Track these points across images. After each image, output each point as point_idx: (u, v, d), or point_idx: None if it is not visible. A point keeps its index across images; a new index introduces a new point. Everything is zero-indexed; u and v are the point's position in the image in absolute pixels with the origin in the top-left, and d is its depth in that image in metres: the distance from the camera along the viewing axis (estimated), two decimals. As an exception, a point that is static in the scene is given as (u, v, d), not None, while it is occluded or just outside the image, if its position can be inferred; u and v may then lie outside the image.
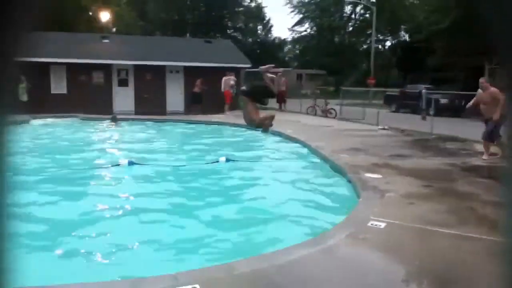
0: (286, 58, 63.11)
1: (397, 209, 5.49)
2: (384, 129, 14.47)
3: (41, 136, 12.74)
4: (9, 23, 0.50)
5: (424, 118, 14.50)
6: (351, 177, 7.13)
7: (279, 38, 62.18)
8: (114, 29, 41.07)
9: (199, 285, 3.22)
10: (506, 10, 0.52)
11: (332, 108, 19.70)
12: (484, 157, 8.98)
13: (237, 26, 57.70)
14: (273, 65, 7.04)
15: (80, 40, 21.88)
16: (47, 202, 5.94)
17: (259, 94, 6.55)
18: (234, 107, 20.25)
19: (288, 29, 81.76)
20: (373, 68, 33.12)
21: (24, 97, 17.69)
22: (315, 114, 20.22)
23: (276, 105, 22.48)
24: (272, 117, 6.61)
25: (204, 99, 20.30)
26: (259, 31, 61.26)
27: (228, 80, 20.37)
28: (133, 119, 17.52)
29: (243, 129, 15.02)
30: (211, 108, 20.06)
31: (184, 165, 8.63)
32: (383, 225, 4.80)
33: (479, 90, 9.38)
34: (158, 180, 7.32)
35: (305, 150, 10.50)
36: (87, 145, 11.27)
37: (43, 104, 17.76)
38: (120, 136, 13.48)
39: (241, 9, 56.29)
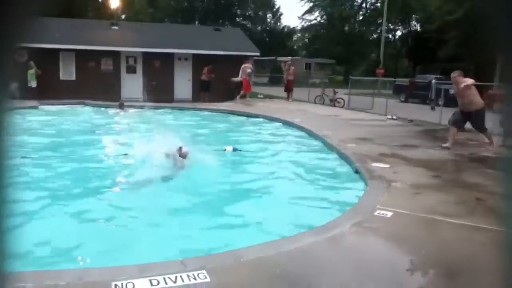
0: (295, 47, 62.77)
1: (404, 199, 5.49)
2: (392, 119, 14.41)
3: (48, 122, 12.77)
4: (11, 9, 0.51)
5: (433, 109, 14.42)
6: (358, 167, 7.12)
7: (288, 27, 61.81)
8: (123, 16, 41.05)
9: (206, 271, 3.25)
10: (508, 8, 0.52)
11: (340, 98, 19.62)
12: (447, 144, 9.07)
13: (247, 14, 57.39)
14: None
15: (89, 27, 21.90)
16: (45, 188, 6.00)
17: None
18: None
19: (298, 17, 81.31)
20: (382, 58, 32.86)
21: (33, 83, 17.84)
22: (323, 103, 20.15)
23: (284, 94, 22.46)
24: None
25: (212, 87, 20.29)
26: (268, 19, 60.91)
27: (246, 68, 20.29)
28: (141, 106, 17.55)
29: (251, 118, 15.04)
30: (219, 97, 20.06)
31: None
32: (389, 214, 4.80)
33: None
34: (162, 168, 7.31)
35: (312, 139, 10.49)
36: (91, 132, 11.31)
37: (52, 90, 17.86)
38: (126, 124, 13.49)
39: (250, -4, 55.97)
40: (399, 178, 6.45)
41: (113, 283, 3.03)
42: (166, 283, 3.07)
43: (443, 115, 12.93)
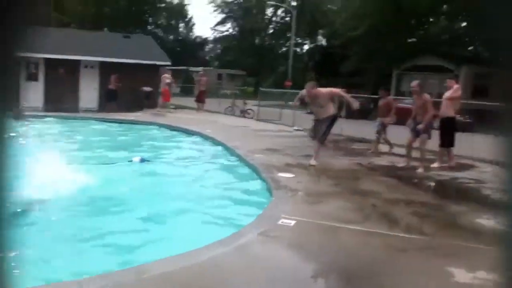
0: (208, 57, 62.91)
1: (306, 207, 5.72)
2: (299, 130, 14.96)
3: None
4: (10, 20, 0.49)
5: (336, 120, 15.16)
6: (265, 177, 7.29)
7: (201, 37, 61.83)
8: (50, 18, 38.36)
9: (106, 290, 3.13)
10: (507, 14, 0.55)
11: (250, 109, 19.98)
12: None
13: (158, 22, 56.46)
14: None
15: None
16: None
17: None
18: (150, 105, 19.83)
19: (211, 28, 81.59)
20: (291, 71, 34.05)
21: None
22: (234, 114, 20.39)
23: (196, 105, 22.38)
24: None
25: (120, 96, 19.65)
26: (181, 29, 60.47)
27: (165, 78, 20.16)
28: (37, 116, 16.44)
29: (161, 128, 14.79)
30: (128, 107, 19.49)
31: (94, 164, 8.30)
32: (293, 223, 4.97)
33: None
34: (63, 180, 6.92)
35: (221, 150, 10.56)
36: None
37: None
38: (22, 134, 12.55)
39: (163, 5, 55.15)
40: (302, 187, 6.71)
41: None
42: (59, 306, 2.91)
43: (344, 126, 13.69)
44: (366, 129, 12.13)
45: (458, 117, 9.94)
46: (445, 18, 31.38)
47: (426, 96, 8.65)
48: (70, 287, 3.18)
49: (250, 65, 49.63)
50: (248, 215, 5.53)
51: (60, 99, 19.27)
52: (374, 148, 10.60)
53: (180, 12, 57.40)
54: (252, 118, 19.30)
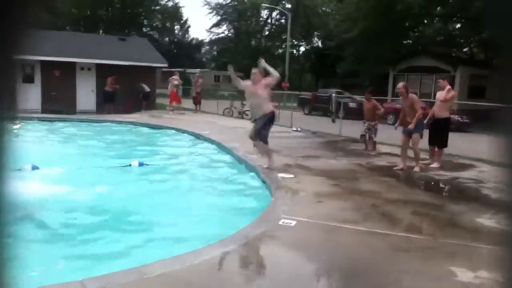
0: (204, 59, 62.93)
1: (307, 207, 5.72)
2: (297, 130, 14.99)
3: None
4: (9, 23, 0.50)
5: (333, 121, 15.24)
6: (264, 177, 7.30)
7: (197, 39, 61.86)
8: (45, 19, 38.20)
9: (108, 290, 3.12)
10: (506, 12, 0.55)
11: (248, 110, 19.96)
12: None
13: (154, 24, 56.41)
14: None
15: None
16: None
17: None
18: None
19: (206, 30, 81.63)
20: (287, 72, 34.10)
21: None
22: (232, 116, 20.40)
23: (193, 106, 22.39)
24: None
25: (117, 98, 19.65)
26: (176, 31, 60.47)
27: (173, 80, 20.33)
28: (33, 118, 16.42)
29: (159, 130, 14.78)
30: (125, 108, 19.50)
31: (93, 167, 8.27)
32: (293, 223, 4.97)
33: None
34: (64, 184, 6.92)
35: (220, 151, 10.57)
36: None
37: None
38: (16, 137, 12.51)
39: (158, 7, 55.10)
40: (302, 188, 6.72)
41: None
42: (63, 306, 2.90)
43: (343, 127, 13.74)
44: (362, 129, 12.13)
45: (456, 117, 9.95)
46: (439, 20, 31.50)
47: (413, 96, 8.72)
48: (73, 287, 3.16)
49: (247, 67, 49.52)
50: (248, 215, 5.53)
51: (57, 101, 19.23)
52: (372, 148, 10.61)
53: (175, 14, 57.39)
54: (250, 119, 19.28)
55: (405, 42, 33.66)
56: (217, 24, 54.32)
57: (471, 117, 17.41)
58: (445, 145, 9.18)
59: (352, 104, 20.05)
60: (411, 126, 8.36)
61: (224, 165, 9.06)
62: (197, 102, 22.14)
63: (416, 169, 8.52)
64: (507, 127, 0.61)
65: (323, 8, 50.27)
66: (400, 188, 7.34)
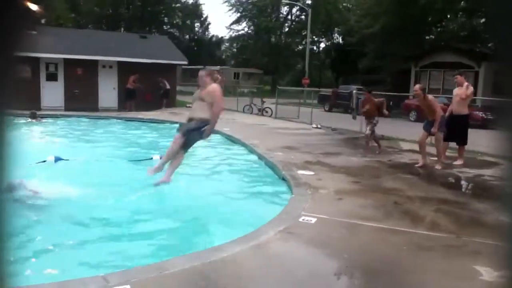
0: (223, 56, 63.12)
1: (327, 205, 5.68)
2: (317, 127, 14.90)
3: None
4: (8, 22, 0.50)
5: (354, 118, 15.08)
6: (285, 174, 7.27)
7: (217, 36, 62.09)
8: (42, 21, 38.94)
9: (130, 286, 3.15)
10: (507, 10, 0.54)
11: (268, 107, 19.97)
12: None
13: (174, 22, 56.85)
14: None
15: (4, 31, 20.54)
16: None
17: None
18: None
19: (226, 27, 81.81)
20: (308, 69, 33.94)
21: None
22: (252, 113, 20.40)
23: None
24: None
25: (139, 96, 19.88)
26: (196, 28, 60.78)
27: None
28: (57, 116, 16.73)
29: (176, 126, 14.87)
30: (146, 105, 19.71)
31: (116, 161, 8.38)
32: (314, 220, 4.94)
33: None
34: (85, 177, 7.00)
35: (241, 148, 10.58)
36: None
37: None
38: (39, 133, 12.77)
39: (178, 5, 55.49)
40: (323, 185, 6.67)
41: (28, 303, 2.85)
42: (86, 301, 2.94)
43: (364, 124, 13.58)
44: (384, 126, 12.00)
45: (480, 114, 9.66)
46: (462, 14, 30.87)
47: (430, 97, 8.57)
48: (95, 281, 3.21)
49: (267, 64, 49.63)
50: (268, 212, 5.51)
51: (80, 99, 19.55)
52: (379, 147, 10.30)
53: (195, 12, 57.69)
54: (270, 116, 19.28)
55: (428, 37, 33.10)
56: (237, 21, 54.41)
57: (495, 114, 17.03)
58: (465, 142, 9.00)
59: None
60: (434, 130, 8.23)
61: (244, 162, 9.07)
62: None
63: (438, 166, 8.38)
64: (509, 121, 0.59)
65: (344, 4, 49.86)
66: (423, 185, 7.23)
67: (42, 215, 5.30)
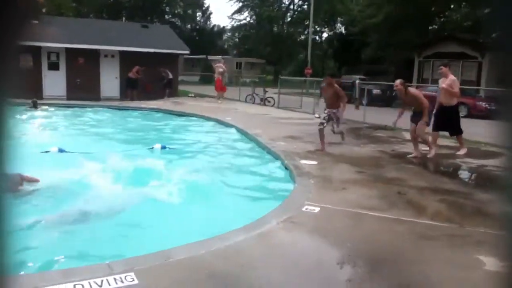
0: (226, 46, 62.86)
1: (330, 194, 5.68)
2: (319, 117, 14.83)
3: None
4: (10, 12, 0.50)
5: (357, 108, 15.05)
6: (287, 164, 7.27)
7: (218, 26, 61.79)
8: (43, 10, 38.78)
9: (134, 273, 3.16)
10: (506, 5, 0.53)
11: (270, 97, 19.91)
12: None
13: (176, 12, 56.54)
14: None
15: (5, 20, 20.46)
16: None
17: None
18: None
19: (228, 17, 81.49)
20: (310, 59, 33.77)
21: None
22: (254, 102, 20.36)
23: (215, 93, 22.40)
24: None
25: (140, 85, 19.86)
26: (198, 18, 60.47)
27: (218, 68, 20.54)
28: (59, 105, 16.73)
29: (181, 116, 14.86)
30: (148, 94, 19.70)
31: (116, 151, 8.36)
32: (317, 209, 4.94)
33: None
34: (88, 168, 7.01)
35: (243, 138, 10.57)
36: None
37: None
38: (38, 123, 12.78)
39: (179, -6, 55.19)
40: (326, 174, 6.66)
41: (35, 290, 2.86)
42: (91, 288, 2.94)
43: (367, 114, 13.56)
44: (388, 116, 11.95)
45: (484, 104, 9.54)
46: (466, 4, 30.60)
47: (412, 90, 8.50)
48: (100, 269, 3.22)
49: (269, 54, 49.43)
50: (271, 201, 5.52)
51: (82, 88, 19.52)
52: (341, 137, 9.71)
53: (196, 1, 57.34)
54: (272, 106, 19.24)
55: (431, 27, 32.86)
56: (238, 11, 54.12)
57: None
58: (460, 132, 8.95)
59: (376, 91, 19.76)
60: (425, 119, 8.15)
61: (247, 152, 9.06)
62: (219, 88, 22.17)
63: (430, 155, 8.35)
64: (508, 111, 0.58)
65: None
66: (426, 175, 7.21)
67: (45, 204, 5.32)
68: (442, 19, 32.85)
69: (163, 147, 8.69)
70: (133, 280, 3.07)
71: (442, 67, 9.20)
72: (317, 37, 51.17)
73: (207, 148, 9.50)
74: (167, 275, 3.28)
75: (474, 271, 3.62)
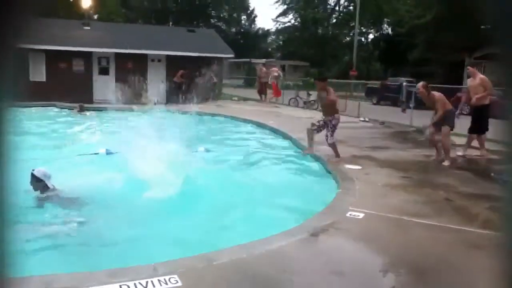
0: (270, 49, 63.01)
1: (375, 200, 5.57)
2: (364, 121, 14.62)
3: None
4: (10, 12, 0.50)
5: (404, 111, 14.67)
6: (331, 168, 7.20)
7: (263, 29, 62.02)
8: (95, 16, 40.37)
9: (178, 275, 3.22)
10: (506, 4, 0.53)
11: (314, 100, 19.77)
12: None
13: (221, 15, 57.30)
14: None
15: (60, 27, 21.41)
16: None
17: None
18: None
19: (272, 19, 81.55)
20: (355, 61, 33.30)
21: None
22: (297, 106, 20.28)
23: (257, 96, 22.52)
24: None
25: (185, 88, 20.24)
26: (242, 21, 60.98)
27: (273, 72, 21.00)
28: (107, 109, 17.34)
29: (225, 119, 15.03)
30: (193, 98, 20.01)
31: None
32: (361, 215, 4.87)
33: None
34: (134, 170, 7.20)
35: (286, 142, 10.55)
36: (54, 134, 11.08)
37: (21, 92, 17.40)
38: (86, 126, 13.28)
39: (225, -2, 55.89)
40: (370, 179, 6.55)
41: (82, 289, 2.98)
42: (136, 288, 3.03)
43: (413, 117, 13.20)
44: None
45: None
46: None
47: (435, 94, 8.16)
48: (145, 271, 3.31)
49: (313, 56, 49.11)
50: (314, 206, 5.48)
51: (130, 92, 20.12)
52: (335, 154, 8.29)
53: (242, 4, 57.85)
54: (316, 109, 19.08)
55: (483, 27, 31.60)
56: (283, 13, 54.20)
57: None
58: (481, 132, 8.70)
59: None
60: (437, 118, 7.94)
61: (290, 156, 9.04)
62: (262, 92, 22.25)
63: (446, 163, 7.93)
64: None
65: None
66: (475, 181, 6.94)
67: (93, 204, 5.51)
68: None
69: (206, 150, 8.81)
70: (177, 282, 3.14)
71: (469, 67, 9.35)
72: (362, 38, 50.40)
73: (249, 151, 9.54)
74: (210, 278, 3.33)
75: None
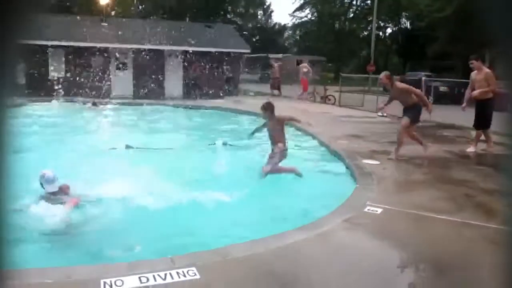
0: (286, 44, 62.77)
1: (393, 195, 5.52)
2: (383, 116, 14.44)
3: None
4: (12, 7, 0.50)
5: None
6: (349, 163, 7.14)
7: (279, 24, 61.83)
8: (113, 13, 40.72)
9: (196, 268, 3.24)
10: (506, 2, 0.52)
11: (331, 95, 19.65)
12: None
13: (238, 11, 57.23)
14: None
15: (78, 23, 21.68)
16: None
17: None
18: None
19: (289, 14, 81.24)
20: (373, 55, 32.93)
21: (21, 80, 17.61)
22: (315, 101, 20.18)
23: (275, 92, 22.45)
24: None
25: (202, 84, 20.32)
26: (259, 16, 60.84)
27: (302, 68, 20.95)
28: (125, 104, 17.50)
29: (241, 114, 15.03)
30: (210, 93, 20.10)
31: (179, 149, 8.61)
32: (379, 210, 4.82)
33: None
34: (153, 164, 7.26)
35: (304, 136, 10.50)
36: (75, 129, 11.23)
37: (41, 87, 17.68)
38: (105, 121, 13.41)
39: (241, -7, 55.80)
40: (389, 175, 6.48)
41: (102, 281, 3.01)
42: (155, 280, 3.06)
43: (433, 112, 12.98)
44: (456, 115, 11.42)
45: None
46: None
47: (400, 84, 8.05)
48: (163, 263, 3.33)
49: (330, 51, 48.76)
50: (332, 201, 5.44)
51: (147, 87, 20.27)
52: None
53: (258, 0, 57.69)
54: (333, 104, 18.98)
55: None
56: (300, 8, 53.80)
57: None
58: (484, 127, 8.51)
59: (443, 88, 18.93)
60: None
61: (308, 151, 9.00)
62: (275, 87, 22.23)
63: (392, 156, 7.68)
64: None
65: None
66: (497, 177, 6.81)
67: (111, 199, 5.56)
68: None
69: (225, 144, 8.84)
70: (195, 274, 3.16)
71: (473, 61, 8.89)
72: (380, 33, 49.81)
73: (265, 145, 9.51)
74: (228, 271, 3.34)
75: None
